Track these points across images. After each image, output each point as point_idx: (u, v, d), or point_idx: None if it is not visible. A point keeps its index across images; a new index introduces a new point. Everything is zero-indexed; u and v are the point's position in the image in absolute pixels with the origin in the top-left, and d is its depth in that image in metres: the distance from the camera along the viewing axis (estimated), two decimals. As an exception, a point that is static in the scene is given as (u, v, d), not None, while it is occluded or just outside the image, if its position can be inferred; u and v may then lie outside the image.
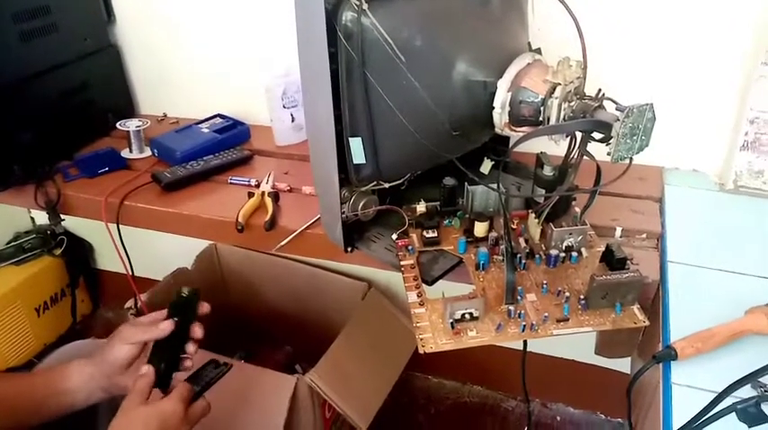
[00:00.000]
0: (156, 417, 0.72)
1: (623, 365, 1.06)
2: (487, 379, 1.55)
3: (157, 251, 1.46)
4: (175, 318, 0.81)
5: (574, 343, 1.05)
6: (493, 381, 1.55)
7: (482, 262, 0.78)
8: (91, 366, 0.83)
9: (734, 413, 0.56)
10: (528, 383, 0.94)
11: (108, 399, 0.84)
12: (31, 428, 0.80)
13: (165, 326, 0.80)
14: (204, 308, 0.85)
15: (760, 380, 0.61)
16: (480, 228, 0.82)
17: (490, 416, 1.51)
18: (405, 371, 1.34)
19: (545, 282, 0.76)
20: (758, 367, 0.61)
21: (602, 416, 1.48)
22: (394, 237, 0.84)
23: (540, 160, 0.81)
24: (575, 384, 1.44)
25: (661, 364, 0.67)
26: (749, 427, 0.55)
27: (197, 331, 0.84)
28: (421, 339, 0.70)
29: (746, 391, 0.60)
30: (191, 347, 0.83)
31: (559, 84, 0.69)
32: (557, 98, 0.69)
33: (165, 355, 0.80)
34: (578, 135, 0.72)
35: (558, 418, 1.49)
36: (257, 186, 1.04)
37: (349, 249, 0.85)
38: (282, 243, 0.93)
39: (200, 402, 0.78)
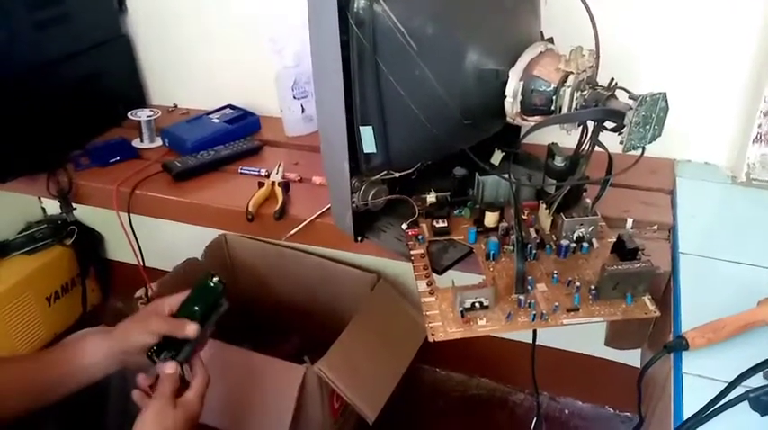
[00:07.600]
0: (185, 421, 0.76)
1: (633, 359, 1.05)
2: (495, 371, 1.55)
3: (167, 241, 1.47)
4: (198, 319, 0.83)
5: (583, 336, 1.05)
6: (501, 374, 1.55)
7: (492, 252, 0.78)
8: (109, 340, 0.85)
9: (746, 401, 0.55)
10: (537, 376, 0.94)
11: (119, 380, 0.88)
12: (48, 405, 0.82)
13: (192, 331, 0.81)
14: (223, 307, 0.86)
15: (772, 370, 0.61)
16: (491, 218, 0.82)
17: (498, 409, 1.51)
18: (413, 363, 1.34)
19: (555, 272, 0.76)
20: (770, 357, 0.61)
21: (611, 409, 1.47)
22: (404, 226, 0.84)
23: (551, 150, 0.81)
24: (583, 377, 1.44)
25: (672, 354, 0.67)
26: (762, 415, 0.55)
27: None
28: (431, 327, 0.70)
29: (758, 380, 0.60)
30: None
31: (572, 72, 0.68)
32: (569, 87, 0.68)
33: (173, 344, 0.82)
34: (590, 125, 0.72)
35: (567, 412, 1.49)
36: (267, 176, 1.04)
37: (359, 239, 0.85)
38: (292, 232, 0.93)
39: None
